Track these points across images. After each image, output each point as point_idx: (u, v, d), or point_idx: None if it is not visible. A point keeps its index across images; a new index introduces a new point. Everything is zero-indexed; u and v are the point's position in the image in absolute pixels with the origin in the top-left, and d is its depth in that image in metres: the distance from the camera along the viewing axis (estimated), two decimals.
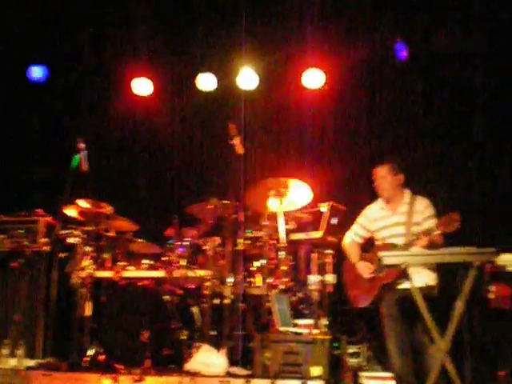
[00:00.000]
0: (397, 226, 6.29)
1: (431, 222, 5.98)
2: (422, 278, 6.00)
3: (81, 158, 7.19)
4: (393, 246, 6.17)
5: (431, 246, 5.91)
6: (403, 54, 8.25)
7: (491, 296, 5.87)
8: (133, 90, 9.41)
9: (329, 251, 7.38)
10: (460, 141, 8.09)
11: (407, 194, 6.40)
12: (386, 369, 6.41)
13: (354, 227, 6.64)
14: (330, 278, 7.31)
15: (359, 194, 8.32)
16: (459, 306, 5.33)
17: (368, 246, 6.64)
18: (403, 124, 8.43)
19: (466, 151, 8.03)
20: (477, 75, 8.03)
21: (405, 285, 5.90)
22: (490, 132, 7.92)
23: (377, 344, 7.10)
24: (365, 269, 6.35)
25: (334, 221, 7.22)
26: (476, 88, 8.03)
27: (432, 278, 6.11)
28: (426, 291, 5.80)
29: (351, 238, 6.66)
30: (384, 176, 6.40)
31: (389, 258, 5.54)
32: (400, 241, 6.18)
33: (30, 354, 7.08)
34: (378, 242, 6.47)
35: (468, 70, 8.06)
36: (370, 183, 7.72)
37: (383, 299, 6.10)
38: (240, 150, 7.02)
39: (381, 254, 5.66)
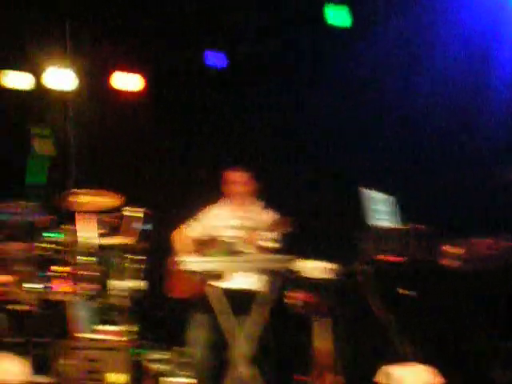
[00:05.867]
0: (232, 228, 6.30)
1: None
2: (246, 281, 6.08)
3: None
4: (222, 243, 6.16)
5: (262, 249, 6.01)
6: (217, 62, 8.35)
7: (292, 302, 5.99)
8: None
9: (139, 257, 7.33)
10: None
11: (257, 203, 6.49)
12: (192, 376, 6.42)
13: (192, 222, 6.57)
14: (139, 284, 7.26)
15: (173, 199, 8.33)
16: (256, 311, 5.45)
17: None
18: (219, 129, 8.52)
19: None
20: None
21: (226, 284, 5.91)
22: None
23: (185, 350, 7.15)
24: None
25: (146, 227, 7.15)
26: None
27: (259, 284, 6.08)
28: (249, 295, 5.91)
29: (184, 231, 6.58)
30: (244, 182, 6.46)
31: (190, 263, 5.59)
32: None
33: None
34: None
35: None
36: (183, 188, 7.77)
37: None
38: (42, 150, 6.87)
39: (182, 259, 5.71)
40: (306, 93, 8.17)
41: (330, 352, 5.77)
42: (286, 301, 5.93)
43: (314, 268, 5.62)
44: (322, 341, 5.73)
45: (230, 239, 6.20)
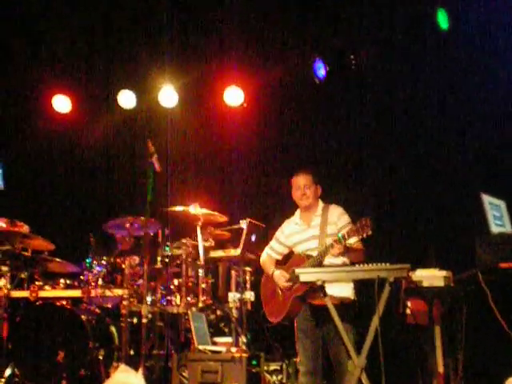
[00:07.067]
0: (312, 239, 6.11)
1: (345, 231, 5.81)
2: (337, 290, 5.85)
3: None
4: (307, 257, 5.98)
5: (349, 252, 5.83)
6: (321, 72, 8.36)
7: (408, 311, 5.91)
8: (53, 107, 9.34)
9: (247, 268, 7.41)
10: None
11: (320, 205, 6.24)
12: None
13: (271, 242, 6.45)
14: (249, 295, 7.33)
15: (278, 211, 8.37)
16: (374, 321, 5.38)
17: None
18: (320, 141, 8.53)
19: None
20: (394, 93, 8.21)
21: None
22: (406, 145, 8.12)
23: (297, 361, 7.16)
24: (281, 277, 6.12)
25: (252, 238, 7.19)
26: (392, 106, 8.21)
27: (349, 292, 5.96)
28: (341, 304, 5.78)
29: (267, 253, 6.47)
30: (308, 185, 6.19)
31: (305, 274, 5.55)
32: (315, 254, 5.98)
33: None
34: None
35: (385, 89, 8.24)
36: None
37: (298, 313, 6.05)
38: (158, 167, 7.00)
39: (297, 270, 5.65)
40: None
41: (446, 362, 5.67)
42: (401, 310, 5.83)
43: (430, 276, 5.51)
44: (439, 350, 5.63)
45: (312, 251, 6.01)
